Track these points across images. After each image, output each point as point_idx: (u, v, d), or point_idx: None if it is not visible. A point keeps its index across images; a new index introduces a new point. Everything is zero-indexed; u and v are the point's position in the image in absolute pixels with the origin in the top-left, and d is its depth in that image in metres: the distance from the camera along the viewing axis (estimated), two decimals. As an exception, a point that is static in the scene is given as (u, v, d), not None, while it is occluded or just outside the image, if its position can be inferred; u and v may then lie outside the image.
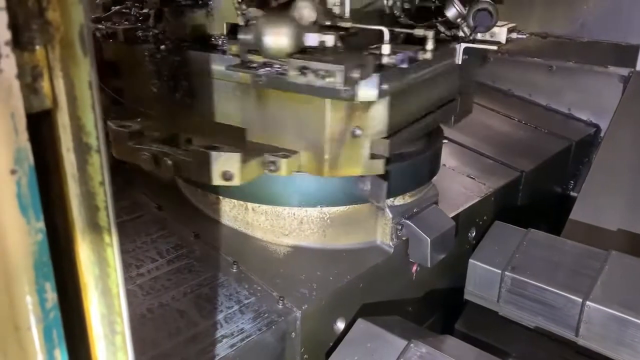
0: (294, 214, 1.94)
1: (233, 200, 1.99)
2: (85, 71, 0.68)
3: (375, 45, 1.66)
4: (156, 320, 1.58)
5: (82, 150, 0.70)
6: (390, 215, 1.98)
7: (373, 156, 1.74)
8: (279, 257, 1.92)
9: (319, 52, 1.54)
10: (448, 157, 2.77)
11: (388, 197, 1.97)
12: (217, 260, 1.85)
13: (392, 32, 1.63)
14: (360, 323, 1.82)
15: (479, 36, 2.00)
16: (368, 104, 1.67)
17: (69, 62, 0.66)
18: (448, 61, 1.96)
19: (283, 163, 1.65)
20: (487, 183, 2.64)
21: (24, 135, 0.62)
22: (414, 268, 2.13)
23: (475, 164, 2.83)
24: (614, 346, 2.03)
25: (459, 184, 2.60)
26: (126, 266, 1.77)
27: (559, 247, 2.32)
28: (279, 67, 1.59)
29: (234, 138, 1.77)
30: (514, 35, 2.08)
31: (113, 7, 2.13)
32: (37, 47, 0.63)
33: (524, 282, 2.20)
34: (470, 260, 2.34)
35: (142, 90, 1.97)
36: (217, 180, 1.58)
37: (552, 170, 3.26)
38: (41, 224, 0.66)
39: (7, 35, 0.59)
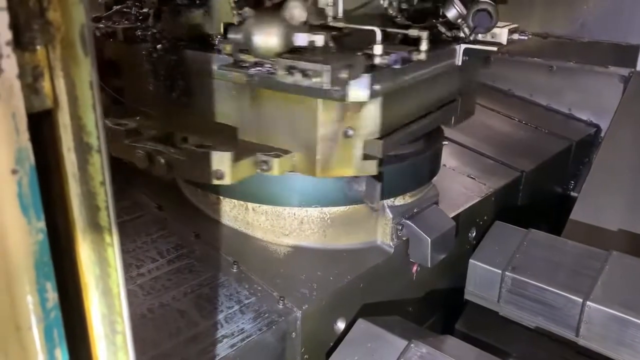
0: (295, 214, 1.94)
1: (233, 200, 1.99)
2: (86, 71, 0.69)
3: (371, 46, 1.66)
4: (156, 320, 1.58)
5: (82, 150, 0.70)
6: (391, 215, 1.98)
7: (366, 157, 1.73)
8: (280, 257, 1.92)
9: (309, 52, 1.53)
10: (448, 157, 2.77)
11: (387, 197, 1.97)
12: (217, 260, 1.85)
13: (384, 32, 1.62)
14: (361, 323, 1.82)
15: (480, 37, 1.98)
16: (360, 105, 1.66)
17: (69, 62, 0.67)
18: (446, 62, 1.95)
19: (275, 163, 1.64)
20: (488, 183, 2.64)
21: (25, 135, 0.62)
22: (415, 268, 2.13)
23: (476, 164, 2.83)
24: (614, 346, 2.03)
25: (460, 184, 2.60)
26: (126, 266, 1.77)
27: (559, 247, 2.32)
28: (270, 67, 1.59)
29: (230, 137, 1.78)
30: (516, 36, 2.06)
31: (115, 7, 2.14)
32: (38, 47, 0.64)
33: (525, 282, 2.20)
34: (471, 261, 2.34)
35: (141, 89, 1.98)
36: (208, 179, 1.58)
37: (552, 171, 3.26)
38: (42, 224, 0.66)
39: (8, 35, 0.59)
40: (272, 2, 1.69)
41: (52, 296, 0.69)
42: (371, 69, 1.59)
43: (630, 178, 2.93)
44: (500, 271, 2.25)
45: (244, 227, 2.01)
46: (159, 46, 1.84)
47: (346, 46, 1.66)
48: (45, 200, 0.66)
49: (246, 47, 1.56)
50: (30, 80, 0.63)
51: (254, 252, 1.93)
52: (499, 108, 3.65)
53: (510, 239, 2.39)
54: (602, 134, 3.58)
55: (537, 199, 3.09)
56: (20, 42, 0.61)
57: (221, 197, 2.01)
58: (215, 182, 1.58)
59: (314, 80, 1.45)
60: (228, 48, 1.66)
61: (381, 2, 1.88)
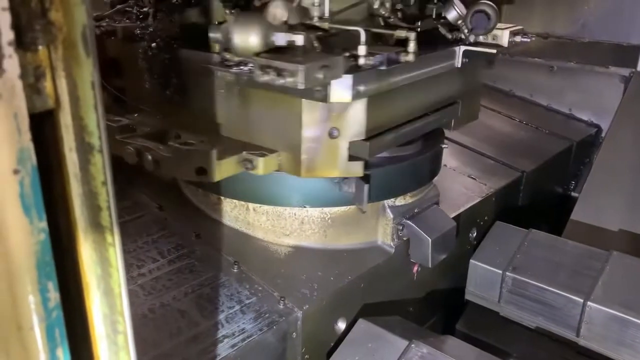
0: (295, 214, 1.94)
1: (234, 201, 2.00)
2: (88, 71, 0.69)
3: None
4: (157, 320, 1.58)
5: (84, 150, 0.71)
6: (391, 216, 1.98)
7: (352, 158, 1.71)
8: (280, 257, 1.92)
9: (290, 52, 1.51)
10: (449, 157, 2.77)
11: (388, 197, 1.97)
12: (218, 260, 1.85)
13: (372, 33, 1.61)
14: (361, 323, 1.83)
15: (482, 39, 1.95)
16: (345, 105, 1.65)
17: (71, 63, 0.67)
18: (442, 64, 1.92)
19: (260, 162, 1.65)
20: (488, 183, 2.64)
21: (26, 135, 0.62)
22: (415, 268, 2.13)
23: (476, 165, 2.83)
24: (614, 346, 2.03)
25: (460, 184, 2.60)
26: (127, 266, 1.77)
27: (560, 247, 2.32)
28: (252, 66, 1.58)
29: (222, 135, 1.79)
30: (518, 38, 2.02)
31: (119, 6, 2.15)
32: (40, 48, 0.64)
33: (525, 283, 2.20)
34: (471, 261, 2.34)
35: (139, 87, 1.99)
36: (192, 176, 1.59)
37: (553, 171, 3.26)
38: (44, 224, 0.67)
39: (10, 35, 0.59)
40: (261, 2, 1.68)
41: (54, 296, 0.69)
42: (355, 69, 1.58)
43: (631, 178, 2.93)
44: (500, 271, 2.25)
45: (244, 227, 2.01)
46: (153, 44, 1.85)
47: (334, 47, 1.65)
48: (47, 200, 0.66)
49: (227, 46, 1.56)
50: (32, 80, 0.63)
51: (254, 252, 1.93)
52: (500, 108, 3.65)
53: (510, 239, 2.39)
54: (603, 134, 3.58)
55: (538, 199, 3.09)
56: (22, 42, 0.61)
57: (222, 198, 2.02)
58: (199, 179, 1.59)
59: (288, 79, 1.42)
60: (217, 47, 1.66)
61: (373, 2, 1.86)
